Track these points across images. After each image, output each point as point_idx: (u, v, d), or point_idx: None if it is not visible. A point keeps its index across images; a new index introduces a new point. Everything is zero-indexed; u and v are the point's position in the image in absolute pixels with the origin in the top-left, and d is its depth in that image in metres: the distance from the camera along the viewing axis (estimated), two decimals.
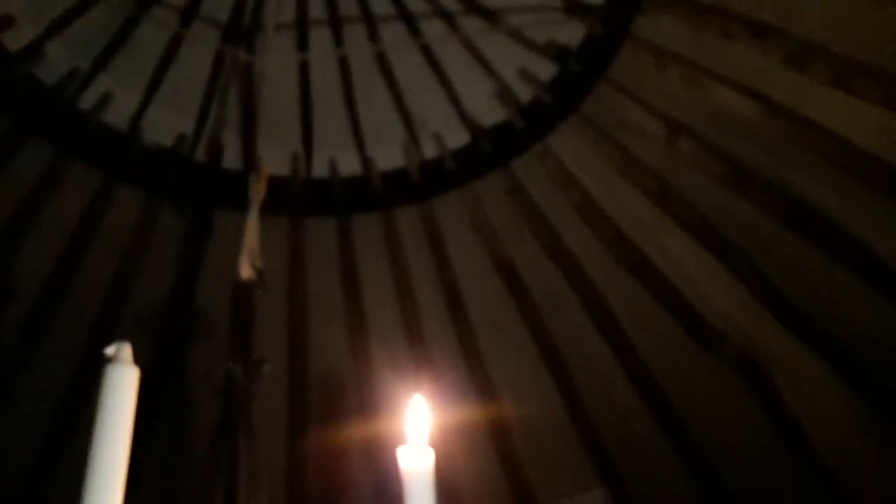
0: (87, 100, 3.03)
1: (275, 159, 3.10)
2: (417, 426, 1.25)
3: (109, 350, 1.08)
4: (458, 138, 3.24)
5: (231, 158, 3.23)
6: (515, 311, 3.33)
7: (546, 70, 3.08)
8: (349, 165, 3.33)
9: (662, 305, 3.16)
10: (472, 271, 3.35)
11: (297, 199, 3.25)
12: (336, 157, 3.32)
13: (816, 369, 2.98)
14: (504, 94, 3.13)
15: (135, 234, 3.04)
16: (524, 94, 3.11)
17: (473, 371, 3.36)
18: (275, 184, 3.23)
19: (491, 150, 3.17)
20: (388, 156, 3.32)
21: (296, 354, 3.26)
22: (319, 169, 3.33)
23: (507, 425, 3.41)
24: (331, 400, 3.33)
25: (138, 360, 1.01)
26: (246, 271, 1.66)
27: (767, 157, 2.91)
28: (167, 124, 3.15)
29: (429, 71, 3.19)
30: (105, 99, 3.05)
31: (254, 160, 3.01)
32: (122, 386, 1.04)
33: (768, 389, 3.08)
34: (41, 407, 2.98)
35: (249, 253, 1.68)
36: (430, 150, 3.28)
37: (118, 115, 3.09)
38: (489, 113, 3.18)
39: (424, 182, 3.28)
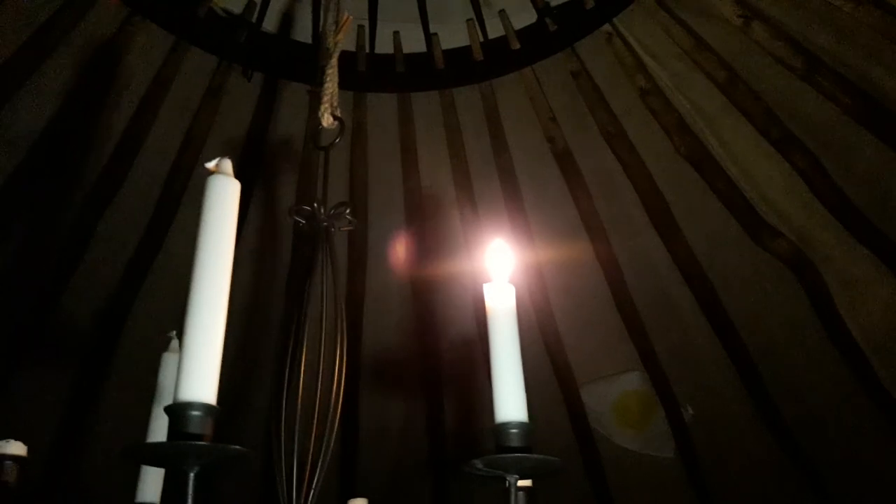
0: None
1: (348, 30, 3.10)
2: (501, 264, 1.32)
3: (210, 164, 1.12)
4: (524, 17, 3.18)
5: (298, 30, 3.24)
6: (569, 197, 3.36)
7: None
8: (413, 42, 3.31)
9: (718, 198, 3.16)
10: (529, 155, 3.36)
11: (361, 73, 3.26)
12: (400, 32, 3.29)
13: (870, 270, 2.98)
14: None
15: (205, 96, 3.09)
16: None
17: (523, 254, 3.43)
18: (339, 57, 3.26)
19: (557, 30, 3.10)
20: (453, 33, 3.28)
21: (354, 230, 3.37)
22: (383, 44, 3.31)
23: (551, 307, 3.52)
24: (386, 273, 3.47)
25: None
26: (327, 119, 1.71)
27: (846, 49, 2.80)
28: None
29: None
30: None
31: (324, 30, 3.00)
32: (225, 196, 1.09)
33: (817, 286, 3.10)
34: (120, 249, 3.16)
35: (330, 100, 1.72)
36: (495, 29, 3.23)
37: None
38: None
39: (487, 62, 3.25)
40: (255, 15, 3.12)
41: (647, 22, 3.01)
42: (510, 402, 1.20)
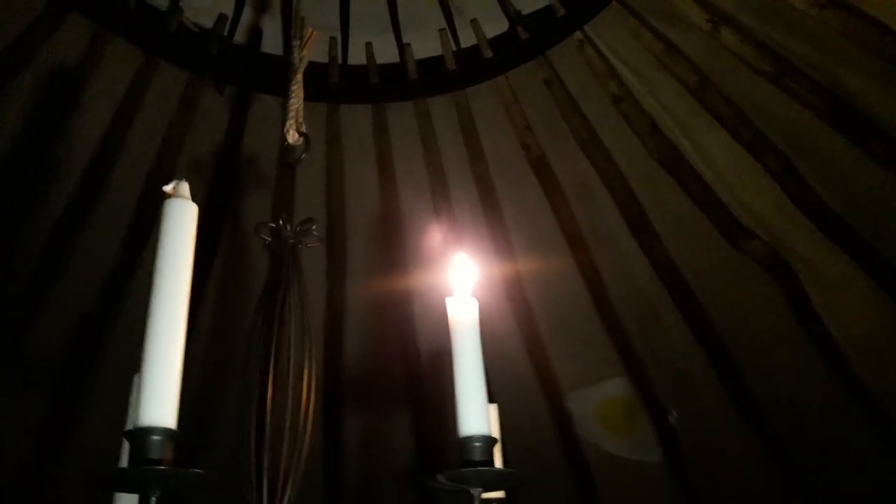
0: None
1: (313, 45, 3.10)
2: (463, 278, 1.32)
3: (168, 187, 1.13)
4: (496, 26, 3.19)
5: (269, 43, 3.24)
6: (546, 204, 3.37)
7: None
8: (386, 52, 3.31)
9: (693, 201, 3.17)
10: (505, 163, 3.37)
11: (334, 85, 3.26)
12: (373, 43, 3.29)
13: (845, 270, 3.01)
14: None
15: (177, 111, 3.08)
16: None
17: (503, 261, 3.44)
18: (312, 69, 3.28)
19: (529, 38, 3.12)
20: (425, 43, 3.29)
21: (332, 237, 3.37)
22: (356, 55, 3.31)
23: (532, 314, 3.52)
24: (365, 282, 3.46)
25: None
26: (292, 136, 1.71)
27: (814, 52, 2.82)
28: (208, 5, 3.13)
29: None
30: None
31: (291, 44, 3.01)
32: (182, 219, 1.10)
33: (794, 287, 3.12)
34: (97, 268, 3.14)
35: (295, 117, 1.72)
36: (467, 39, 3.24)
37: None
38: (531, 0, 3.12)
39: (460, 71, 3.26)
40: (227, 28, 3.12)
41: (618, 28, 3.02)
42: (473, 415, 1.21)
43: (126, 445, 1.48)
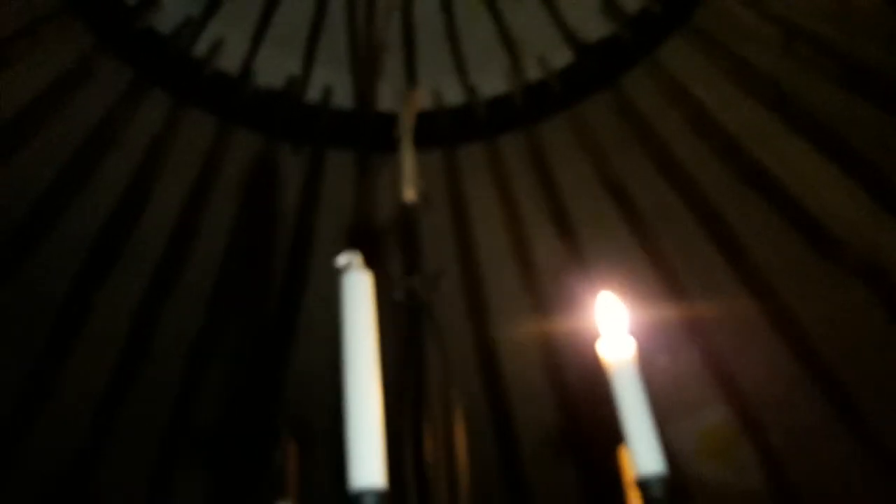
0: (201, 46, 3.12)
1: (381, 93, 3.16)
2: (613, 319, 1.30)
3: (341, 260, 1.15)
4: (563, 58, 3.20)
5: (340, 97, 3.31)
6: (627, 232, 3.33)
7: None
8: (452, 95, 3.34)
9: (780, 215, 3.11)
10: (582, 194, 3.35)
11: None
12: (440, 86, 3.33)
13: None
14: (610, 6, 3.05)
15: (253, 175, 3.17)
16: (631, 5, 3.03)
17: (587, 297, 3.39)
18: (383, 119, 3.31)
19: (598, 68, 3.12)
20: (492, 82, 3.31)
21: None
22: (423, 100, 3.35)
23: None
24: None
25: None
26: (409, 194, 1.74)
27: (890, 55, 2.78)
28: (277, 66, 3.22)
29: None
30: (217, 45, 3.13)
31: (367, 98, 3.09)
32: (360, 289, 1.12)
33: (891, 292, 3.03)
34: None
35: (410, 177, 1.75)
36: (534, 73, 3.25)
37: (230, 60, 3.17)
38: (595, 28, 3.12)
39: (529, 107, 3.27)
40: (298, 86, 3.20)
41: (689, 50, 3.01)
42: (645, 455, 1.19)
43: None
